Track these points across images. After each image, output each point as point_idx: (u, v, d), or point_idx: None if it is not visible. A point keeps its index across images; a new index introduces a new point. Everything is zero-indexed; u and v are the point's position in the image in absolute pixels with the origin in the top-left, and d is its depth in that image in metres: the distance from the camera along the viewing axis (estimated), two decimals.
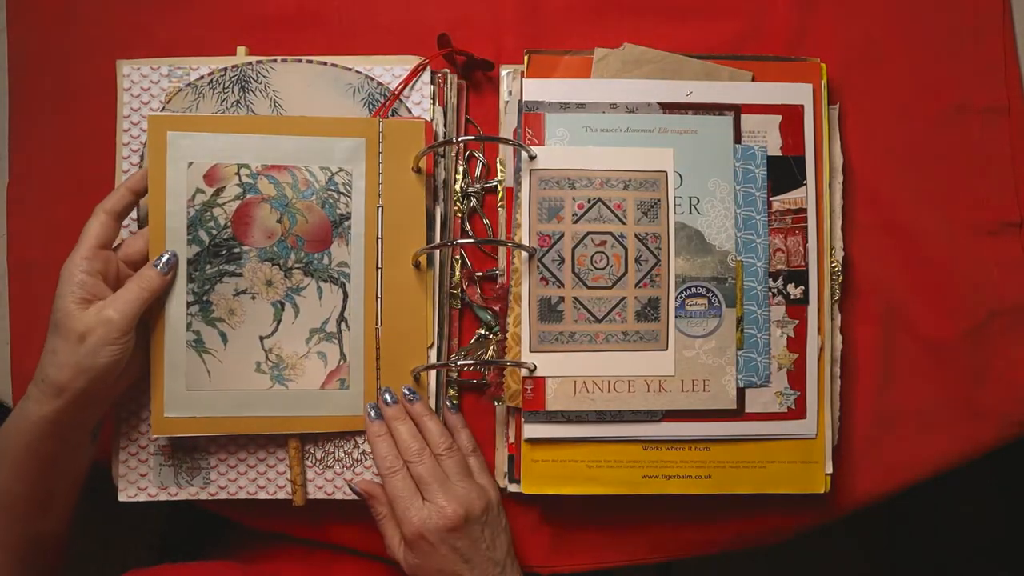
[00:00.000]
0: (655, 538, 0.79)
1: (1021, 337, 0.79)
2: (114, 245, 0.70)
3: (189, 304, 0.72)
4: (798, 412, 0.75)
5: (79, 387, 0.63)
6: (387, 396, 0.72)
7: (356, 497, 0.73)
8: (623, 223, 0.73)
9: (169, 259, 0.70)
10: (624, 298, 0.73)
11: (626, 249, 0.73)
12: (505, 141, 0.74)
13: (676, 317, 0.74)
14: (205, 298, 0.72)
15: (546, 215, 0.74)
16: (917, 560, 1.41)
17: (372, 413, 0.72)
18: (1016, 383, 0.78)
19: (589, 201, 0.74)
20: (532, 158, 0.73)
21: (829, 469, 0.75)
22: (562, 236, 0.74)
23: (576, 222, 0.74)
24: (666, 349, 0.73)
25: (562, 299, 0.73)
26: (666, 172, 0.73)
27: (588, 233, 0.73)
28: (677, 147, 0.74)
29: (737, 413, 0.74)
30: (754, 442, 0.75)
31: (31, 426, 0.64)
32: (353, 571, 0.79)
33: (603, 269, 0.73)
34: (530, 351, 0.73)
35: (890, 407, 0.79)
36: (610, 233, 0.73)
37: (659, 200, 0.73)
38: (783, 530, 0.79)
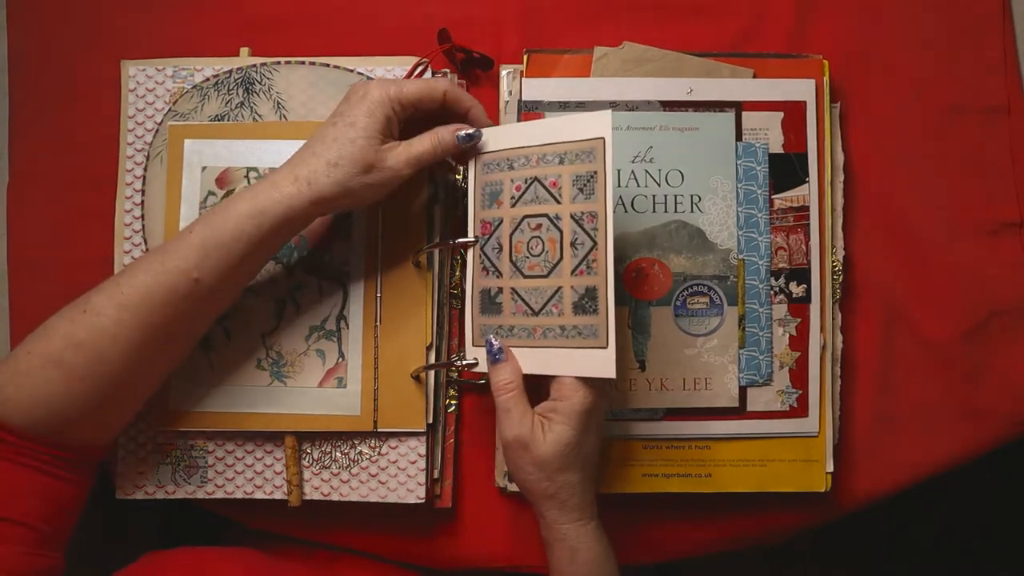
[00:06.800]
0: (655, 538, 0.79)
1: (1021, 337, 0.79)
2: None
3: None
4: (800, 410, 0.75)
5: (335, 204, 0.65)
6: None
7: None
8: (558, 202, 0.66)
9: (473, 134, 0.68)
10: (560, 288, 0.65)
11: (561, 232, 0.65)
12: None
13: (676, 316, 0.74)
14: None
15: (488, 200, 0.69)
16: (917, 560, 1.41)
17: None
18: (1016, 383, 0.79)
19: (526, 181, 0.67)
20: (469, 138, 0.68)
21: (830, 468, 0.75)
22: (501, 222, 0.68)
23: (514, 205, 0.68)
24: (606, 347, 0.63)
25: (501, 290, 0.68)
26: (604, 139, 0.64)
27: (524, 217, 0.67)
28: (679, 145, 0.74)
29: (739, 411, 0.74)
30: (755, 440, 0.75)
31: (285, 209, 0.63)
32: (352, 571, 0.78)
33: (539, 256, 0.66)
34: (473, 345, 0.70)
35: (890, 407, 0.79)
36: (545, 215, 0.66)
37: (595, 172, 0.64)
38: (783, 529, 0.79)
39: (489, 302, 0.69)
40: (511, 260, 0.67)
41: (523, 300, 0.67)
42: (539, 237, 0.66)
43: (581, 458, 0.64)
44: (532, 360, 0.66)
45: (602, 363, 0.63)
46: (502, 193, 0.68)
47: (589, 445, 0.65)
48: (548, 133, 0.66)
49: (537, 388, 0.67)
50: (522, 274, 0.67)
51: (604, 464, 0.75)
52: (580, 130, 0.65)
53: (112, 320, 0.61)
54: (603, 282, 0.63)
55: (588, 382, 0.64)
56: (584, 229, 0.64)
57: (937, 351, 0.79)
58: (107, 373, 0.61)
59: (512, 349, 0.67)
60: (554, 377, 0.65)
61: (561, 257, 0.65)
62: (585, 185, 0.64)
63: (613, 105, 0.75)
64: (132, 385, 0.64)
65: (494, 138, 0.69)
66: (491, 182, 0.69)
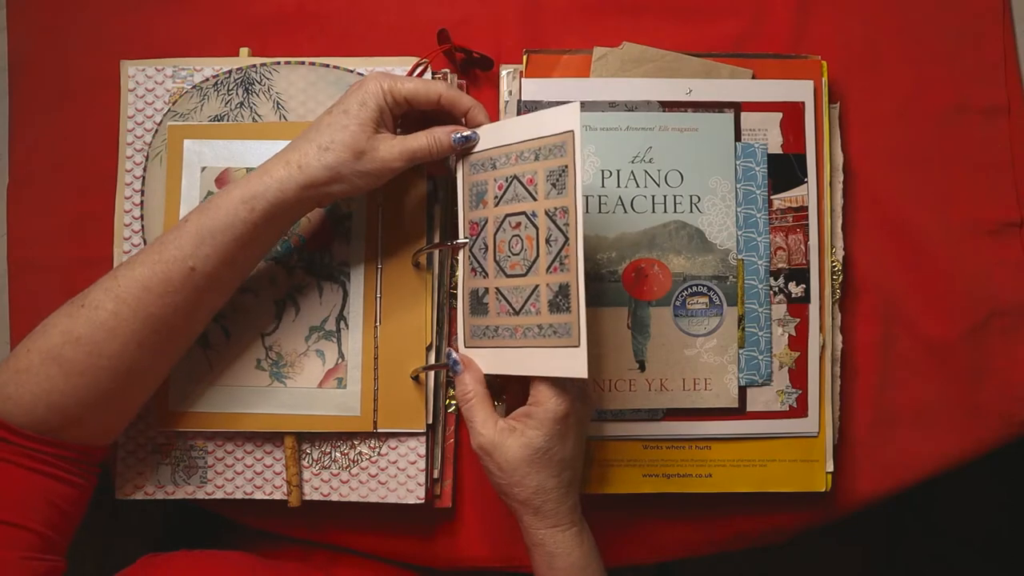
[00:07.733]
0: (655, 538, 0.79)
1: (1021, 337, 0.79)
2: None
3: None
4: (800, 410, 0.75)
5: (327, 190, 0.64)
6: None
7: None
8: (534, 199, 0.65)
9: (468, 136, 0.68)
10: (537, 286, 0.64)
11: (537, 229, 0.64)
12: None
13: (676, 316, 0.74)
14: None
15: (475, 201, 0.69)
16: (917, 560, 1.41)
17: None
18: (1016, 383, 0.78)
19: (507, 180, 0.66)
20: (465, 140, 0.68)
21: (830, 467, 0.75)
22: (486, 222, 0.68)
23: (497, 205, 0.67)
24: (579, 346, 0.61)
25: (487, 290, 0.67)
26: (572, 131, 0.63)
27: (506, 216, 0.66)
28: (678, 145, 0.74)
29: (739, 411, 0.74)
30: (755, 440, 0.75)
31: (276, 193, 0.63)
32: (352, 571, 0.78)
33: (518, 254, 0.65)
34: (465, 347, 0.70)
35: (890, 407, 0.79)
36: (523, 213, 0.65)
37: (566, 167, 0.63)
38: (783, 529, 0.79)
39: (477, 303, 0.68)
40: (495, 260, 0.67)
41: (506, 300, 0.66)
42: (519, 235, 0.66)
43: (555, 464, 0.63)
44: (514, 361, 0.66)
45: (574, 362, 0.61)
46: (487, 193, 0.68)
47: (566, 451, 0.64)
48: (525, 130, 0.66)
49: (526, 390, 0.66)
50: (504, 273, 0.66)
51: (605, 464, 0.75)
52: (551, 125, 0.64)
53: (109, 313, 0.61)
54: (574, 279, 0.62)
55: (564, 389, 0.63)
56: (557, 225, 0.63)
57: (937, 351, 0.79)
58: (106, 368, 0.61)
59: (493, 350, 0.67)
60: (533, 380, 0.64)
61: (538, 255, 0.64)
62: (558, 180, 0.63)
63: (613, 105, 0.75)
64: (131, 381, 0.64)
65: (480, 138, 0.69)
66: (477, 182, 0.69)
